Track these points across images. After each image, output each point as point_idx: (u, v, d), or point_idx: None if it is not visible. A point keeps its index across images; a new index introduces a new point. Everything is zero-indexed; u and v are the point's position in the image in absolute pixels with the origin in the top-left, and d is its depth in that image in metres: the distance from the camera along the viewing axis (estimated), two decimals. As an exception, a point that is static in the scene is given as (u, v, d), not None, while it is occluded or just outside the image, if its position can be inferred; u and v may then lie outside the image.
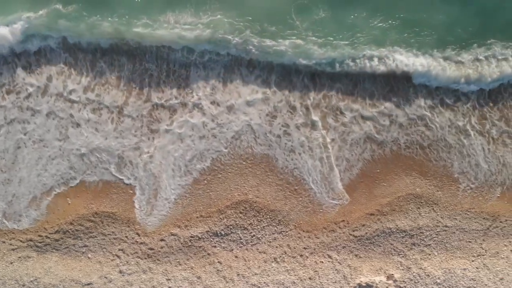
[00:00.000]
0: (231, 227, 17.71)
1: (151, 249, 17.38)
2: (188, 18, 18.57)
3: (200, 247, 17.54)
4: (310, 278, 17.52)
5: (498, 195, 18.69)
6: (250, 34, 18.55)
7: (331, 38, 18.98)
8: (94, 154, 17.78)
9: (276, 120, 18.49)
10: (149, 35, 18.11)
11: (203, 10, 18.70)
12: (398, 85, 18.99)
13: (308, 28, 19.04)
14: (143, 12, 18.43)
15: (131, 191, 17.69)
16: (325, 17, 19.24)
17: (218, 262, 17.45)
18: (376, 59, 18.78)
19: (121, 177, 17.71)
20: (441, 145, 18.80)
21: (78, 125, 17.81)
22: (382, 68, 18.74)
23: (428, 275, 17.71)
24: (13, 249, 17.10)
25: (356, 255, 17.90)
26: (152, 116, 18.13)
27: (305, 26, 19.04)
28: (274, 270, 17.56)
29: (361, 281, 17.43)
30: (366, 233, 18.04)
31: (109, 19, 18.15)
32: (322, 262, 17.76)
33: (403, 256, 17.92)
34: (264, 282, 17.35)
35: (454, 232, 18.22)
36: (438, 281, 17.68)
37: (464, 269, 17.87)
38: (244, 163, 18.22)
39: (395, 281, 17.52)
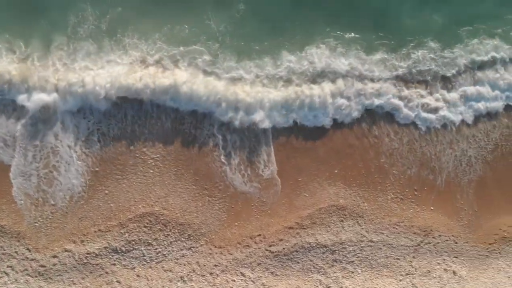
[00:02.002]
0: (134, 242, 16.06)
1: (43, 266, 15.68)
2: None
3: (97, 264, 15.87)
4: (219, 299, 15.91)
5: (432, 208, 17.14)
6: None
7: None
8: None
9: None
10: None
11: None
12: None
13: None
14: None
15: (21, 201, 16.08)
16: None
17: (117, 281, 15.77)
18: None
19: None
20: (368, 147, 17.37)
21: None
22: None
23: (349, 296, 16.13)
24: None
25: (272, 273, 16.26)
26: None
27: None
28: (180, 290, 15.94)
29: (276, 302, 15.85)
30: (284, 248, 16.43)
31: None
32: (234, 280, 16.11)
33: (323, 274, 16.29)
34: (168, 303, 15.75)
35: (381, 248, 16.62)
36: (362, 302, 16.11)
37: (391, 288, 16.29)
38: (151, 171, 16.65)
39: (313, 302, 15.94)
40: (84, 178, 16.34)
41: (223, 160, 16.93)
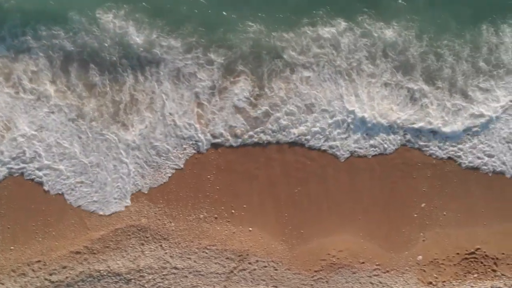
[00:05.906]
0: None
1: None
2: None
3: None
4: None
5: (250, 229, 14.69)
6: None
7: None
8: None
9: None
10: None
11: None
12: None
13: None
14: None
15: None
16: None
17: None
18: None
19: None
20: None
21: None
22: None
23: (140, 333, 13.71)
24: None
25: (49, 307, 13.66)
26: None
27: None
28: None
29: None
30: (67, 277, 13.76)
31: None
32: (1, 317, 13.46)
33: (113, 308, 13.81)
34: None
35: (186, 276, 14.14)
36: None
37: (194, 323, 13.95)
38: None
39: None
40: None
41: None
